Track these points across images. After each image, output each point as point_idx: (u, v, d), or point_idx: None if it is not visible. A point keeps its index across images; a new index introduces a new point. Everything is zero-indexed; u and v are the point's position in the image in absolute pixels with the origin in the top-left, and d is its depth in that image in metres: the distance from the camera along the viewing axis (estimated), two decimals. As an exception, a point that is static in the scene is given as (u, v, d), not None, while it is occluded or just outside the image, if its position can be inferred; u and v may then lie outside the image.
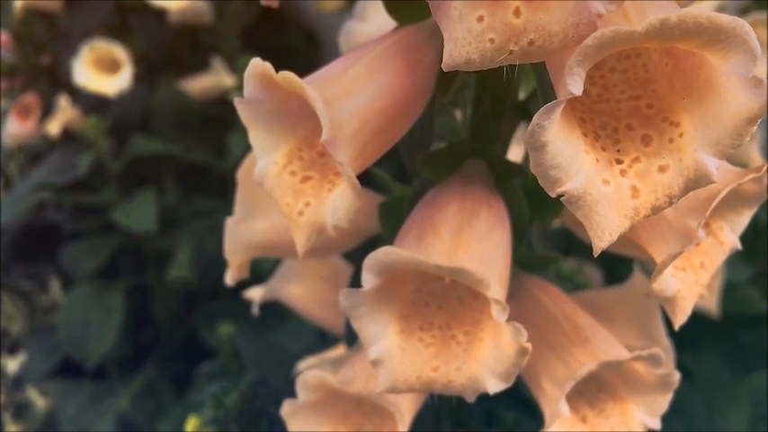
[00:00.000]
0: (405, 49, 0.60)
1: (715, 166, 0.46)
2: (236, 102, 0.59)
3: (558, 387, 0.63)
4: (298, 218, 0.59)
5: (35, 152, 2.06)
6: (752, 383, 1.30)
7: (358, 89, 0.57)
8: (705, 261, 0.62)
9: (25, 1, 1.84)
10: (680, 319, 0.60)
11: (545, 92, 0.55)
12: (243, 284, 0.86)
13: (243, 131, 0.65)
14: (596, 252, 0.47)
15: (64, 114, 1.80)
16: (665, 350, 0.72)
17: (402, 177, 0.76)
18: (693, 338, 1.34)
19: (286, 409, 0.70)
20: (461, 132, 0.71)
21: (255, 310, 0.97)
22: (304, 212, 0.59)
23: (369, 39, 0.64)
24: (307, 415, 0.70)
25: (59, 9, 1.88)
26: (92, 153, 1.75)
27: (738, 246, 0.63)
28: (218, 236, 0.82)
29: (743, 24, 0.42)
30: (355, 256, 0.78)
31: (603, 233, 0.46)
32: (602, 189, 0.47)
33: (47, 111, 1.88)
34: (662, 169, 0.48)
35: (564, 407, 0.62)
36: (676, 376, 0.65)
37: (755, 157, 1.12)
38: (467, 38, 0.43)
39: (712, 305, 1.06)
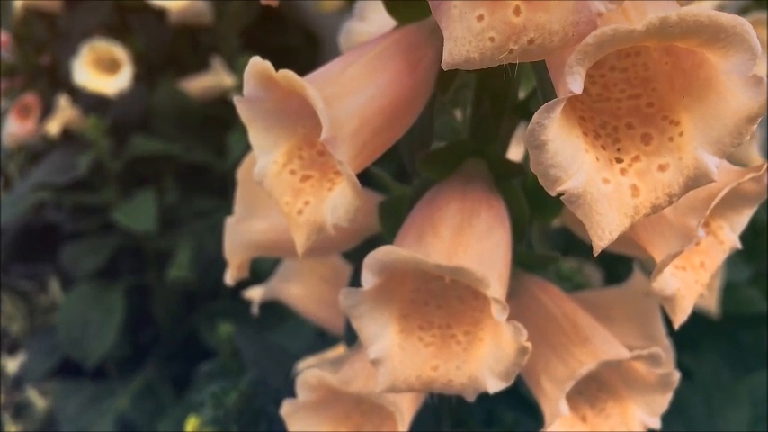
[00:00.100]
0: (404, 49, 0.60)
1: (715, 164, 0.46)
2: (236, 100, 0.59)
3: (558, 386, 0.63)
4: (297, 217, 0.59)
5: (35, 152, 2.06)
6: (752, 383, 1.30)
7: (358, 88, 0.57)
8: (705, 260, 0.62)
9: (25, 1, 1.84)
10: (680, 319, 0.60)
11: (545, 91, 0.55)
12: (243, 284, 0.86)
13: (243, 131, 0.64)
14: (596, 251, 0.47)
15: (64, 114, 1.80)
16: (664, 349, 0.72)
17: (402, 177, 0.76)
18: (693, 338, 1.34)
19: (286, 408, 0.69)
20: (461, 132, 0.71)
21: (255, 310, 0.97)
22: (304, 211, 0.59)
23: (369, 38, 0.64)
24: (306, 414, 0.69)
25: (59, 9, 1.88)
26: (92, 153, 1.75)
27: (738, 245, 0.63)
28: (217, 236, 0.82)
29: (743, 23, 0.42)
30: (355, 256, 0.78)
31: (603, 232, 0.46)
32: (603, 188, 0.47)
33: (47, 111, 1.88)
34: (662, 168, 0.48)
35: (564, 406, 0.62)
36: (676, 376, 0.65)
37: (755, 156, 1.12)
38: (467, 36, 0.43)
39: (712, 305, 1.06)
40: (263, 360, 0.99)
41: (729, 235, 0.62)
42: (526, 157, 0.75)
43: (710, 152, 0.46)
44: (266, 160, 0.60)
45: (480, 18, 0.43)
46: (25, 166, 2.12)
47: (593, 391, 0.67)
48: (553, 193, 0.46)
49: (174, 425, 1.49)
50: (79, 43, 1.75)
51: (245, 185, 0.76)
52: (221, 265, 0.79)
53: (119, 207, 1.76)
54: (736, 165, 0.61)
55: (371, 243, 0.71)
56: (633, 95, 0.51)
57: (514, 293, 0.69)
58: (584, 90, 0.44)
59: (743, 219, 0.62)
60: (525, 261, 0.72)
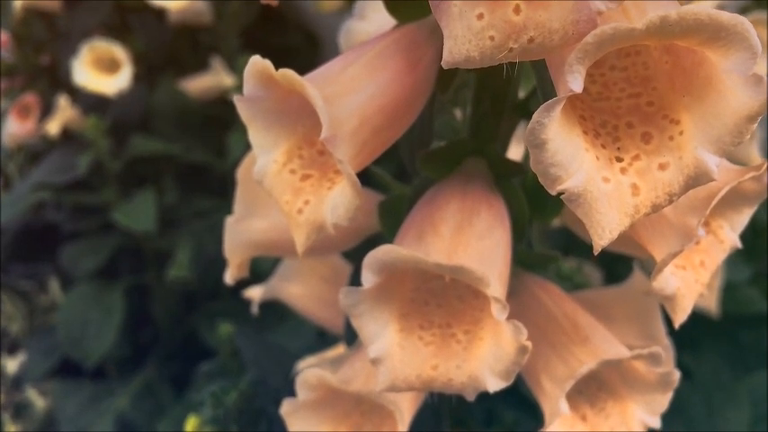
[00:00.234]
0: (404, 48, 0.60)
1: (715, 163, 0.46)
2: (236, 99, 0.59)
3: (558, 386, 0.63)
4: (297, 216, 0.59)
5: (35, 152, 2.06)
6: (752, 383, 1.30)
7: (358, 87, 0.57)
8: (705, 259, 0.62)
9: (25, 1, 1.84)
10: (680, 318, 0.60)
11: (545, 90, 0.55)
12: (242, 284, 0.86)
13: (243, 131, 0.64)
14: (596, 250, 0.47)
15: (63, 114, 1.80)
16: (665, 349, 0.72)
17: (402, 176, 0.76)
18: (693, 338, 1.34)
19: (285, 408, 0.69)
20: (461, 131, 0.71)
21: (255, 310, 0.97)
22: (303, 211, 0.59)
23: (368, 37, 0.64)
24: (306, 414, 0.69)
25: (59, 9, 1.88)
26: (91, 153, 1.75)
27: (738, 244, 0.63)
28: (217, 236, 0.82)
29: (743, 22, 0.42)
30: (355, 255, 0.78)
31: (604, 231, 0.46)
32: (603, 187, 0.47)
33: (46, 110, 1.88)
34: (662, 167, 0.48)
35: (564, 405, 0.62)
36: (676, 375, 0.65)
37: (755, 156, 1.12)
38: (467, 35, 0.43)
39: (712, 304, 1.06)
40: (263, 360, 0.99)
41: (729, 234, 0.62)
42: (526, 156, 0.75)
43: (711, 151, 0.46)
44: (266, 159, 0.60)
45: (480, 17, 0.43)
46: (25, 165, 2.12)
47: (593, 390, 0.67)
48: (553, 192, 0.46)
49: (174, 425, 1.49)
50: (79, 43, 1.75)
51: (245, 185, 0.76)
52: (221, 264, 0.79)
53: (118, 207, 1.76)
54: (737, 164, 0.61)
55: (371, 242, 0.71)
56: (633, 94, 0.50)
57: (514, 293, 0.69)
58: (585, 89, 0.43)
59: (743, 218, 0.62)
60: (525, 260, 0.72)
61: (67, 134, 1.85)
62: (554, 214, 0.70)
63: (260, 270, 0.96)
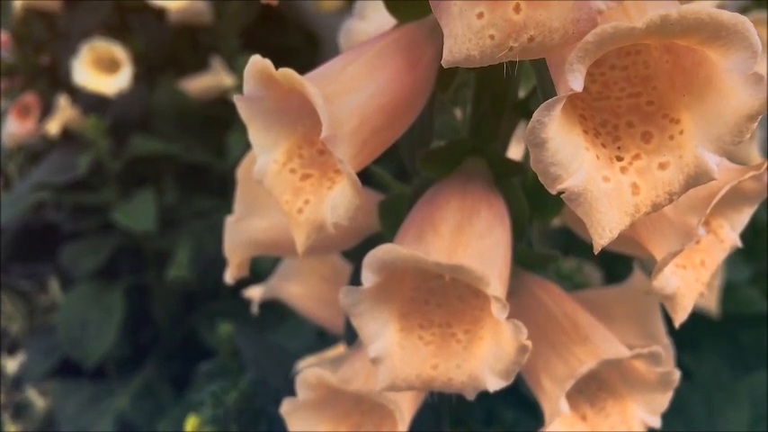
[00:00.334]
0: (404, 47, 0.60)
1: (715, 162, 0.46)
2: (236, 99, 0.59)
3: (558, 385, 0.63)
4: (297, 216, 0.59)
5: (34, 152, 2.05)
6: (752, 383, 1.30)
7: (358, 86, 0.57)
8: (705, 259, 0.62)
9: (25, 1, 1.84)
10: (680, 317, 0.60)
11: (545, 89, 0.55)
12: (242, 284, 0.86)
13: (242, 131, 0.64)
14: (597, 249, 0.47)
15: (63, 114, 1.80)
16: (665, 348, 0.72)
17: (402, 176, 0.76)
18: (693, 338, 1.34)
19: (285, 407, 0.69)
20: (461, 130, 0.71)
21: (255, 309, 0.97)
22: (304, 210, 0.59)
23: (368, 37, 0.64)
24: (306, 413, 0.69)
25: (59, 9, 1.88)
26: (91, 153, 1.74)
27: (739, 243, 0.63)
28: (217, 236, 0.82)
29: (744, 21, 0.42)
30: (355, 255, 0.78)
31: (604, 230, 0.46)
32: (603, 186, 0.47)
33: (46, 110, 1.88)
34: (662, 166, 0.47)
35: (564, 405, 0.62)
36: (676, 374, 0.65)
37: (755, 155, 1.12)
38: (467, 34, 0.43)
39: (712, 304, 1.06)
40: (263, 360, 0.99)
41: (730, 233, 0.62)
42: (526, 155, 0.75)
43: (711, 150, 0.46)
44: (266, 159, 0.60)
45: (480, 15, 0.43)
46: (25, 165, 2.12)
47: (593, 389, 0.67)
48: (553, 192, 0.46)
49: (174, 425, 1.49)
50: (79, 43, 1.75)
51: (245, 184, 0.76)
52: (221, 264, 0.79)
53: (118, 207, 1.76)
54: (737, 164, 0.61)
55: (371, 242, 0.71)
56: (633, 94, 0.50)
57: (514, 292, 0.69)
58: (585, 88, 0.43)
59: (743, 217, 0.62)
60: (525, 260, 0.72)
61: (67, 134, 1.84)
62: (554, 214, 0.70)
63: (260, 270, 0.96)
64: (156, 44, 1.91)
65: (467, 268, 0.53)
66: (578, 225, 0.68)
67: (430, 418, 0.75)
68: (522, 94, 0.68)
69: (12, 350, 2.11)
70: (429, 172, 0.67)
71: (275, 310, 1.09)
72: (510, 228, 0.63)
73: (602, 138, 0.49)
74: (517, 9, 0.42)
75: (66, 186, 1.79)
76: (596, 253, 0.48)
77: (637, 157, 0.48)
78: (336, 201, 0.56)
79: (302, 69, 0.57)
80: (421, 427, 0.71)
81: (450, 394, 0.60)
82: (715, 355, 1.35)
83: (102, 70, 1.77)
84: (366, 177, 0.61)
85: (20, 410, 1.97)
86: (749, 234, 0.68)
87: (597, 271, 1.17)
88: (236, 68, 1.81)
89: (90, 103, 1.83)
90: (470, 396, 0.58)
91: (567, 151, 0.45)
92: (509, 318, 0.55)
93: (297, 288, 0.94)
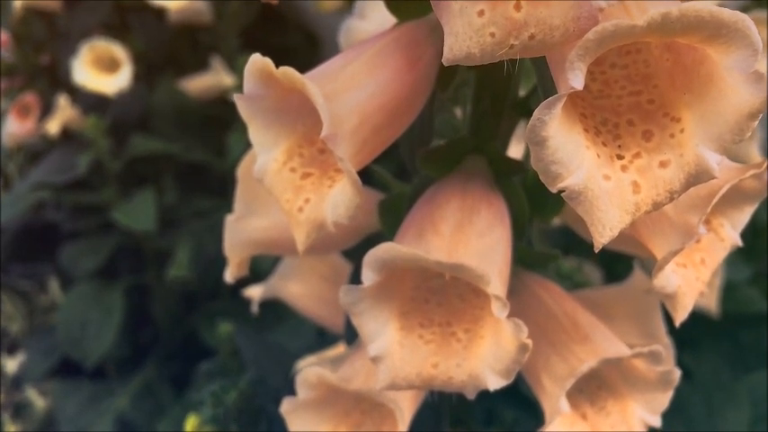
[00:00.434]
0: (405, 46, 0.60)
1: (716, 161, 0.46)
2: (236, 97, 0.59)
3: (559, 384, 0.63)
4: (298, 214, 0.59)
5: (34, 151, 2.05)
6: (752, 383, 1.30)
7: (358, 85, 0.57)
8: (706, 258, 0.62)
9: (25, 0, 1.84)
10: (681, 316, 0.60)
11: (546, 87, 0.55)
12: (242, 283, 0.86)
13: (242, 131, 0.64)
14: (597, 247, 0.47)
15: (63, 114, 1.79)
16: (665, 347, 0.72)
17: (402, 175, 0.76)
18: (693, 338, 1.34)
19: (285, 406, 0.69)
20: (461, 129, 0.71)
21: (255, 309, 0.97)
22: (304, 209, 0.59)
23: (368, 36, 0.64)
24: (306, 413, 0.69)
25: (59, 8, 1.88)
26: (91, 152, 1.74)
27: (739, 242, 0.63)
28: (217, 235, 0.82)
29: (744, 19, 0.42)
30: (355, 254, 0.78)
31: (604, 228, 0.46)
32: (603, 184, 0.47)
33: (46, 110, 1.88)
34: (663, 164, 0.48)
35: (564, 404, 0.62)
36: (677, 373, 0.65)
37: (755, 155, 1.12)
38: (467, 32, 0.43)
39: (712, 303, 1.06)
40: (263, 359, 0.99)
41: (730, 232, 0.62)
42: (526, 154, 0.75)
43: (712, 148, 0.46)
44: (266, 158, 0.60)
45: (481, 13, 0.43)
46: (25, 165, 2.12)
47: (593, 389, 0.67)
48: (554, 190, 0.46)
49: (174, 425, 1.49)
50: (79, 43, 1.75)
51: (246, 183, 0.76)
52: (221, 264, 0.79)
53: (118, 207, 1.76)
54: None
55: (371, 241, 0.71)
56: (634, 92, 0.50)
57: (514, 291, 0.69)
58: (585, 87, 0.43)
59: (744, 216, 0.62)
60: (525, 259, 0.72)
61: (67, 134, 1.84)
62: (554, 213, 0.70)
63: (260, 269, 0.96)
64: (156, 44, 1.91)
65: (467, 267, 0.53)
66: (579, 224, 0.68)
67: (430, 418, 0.75)
68: (522, 93, 0.68)
69: (12, 350, 2.10)
70: (429, 171, 0.67)
71: (275, 309, 1.09)
72: (510, 227, 0.63)
73: (603, 136, 0.49)
74: (518, 7, 0.42)
75: (65, 186, 1.78)
76: (597, 252, 0.48)
77: (637, 155, 0.48)
78: (337, 199, 0.56)
79: (302, 69, 0.57)
80: (421, 426, 0.71)
81: (450, 393, 0.60)
82: (715, 355, 1.35)
83: (101, 70, 1.77)
84: (366, 176, 0.61)
85: (20, 410, 1.97)
86: (749, 234, 0.68)
87: (597, 270, 1.17)
88: (236, 68, 1.81)
89: (90, 102, 1.83)
90: (471, 395, 0.58)
91: (567, 149, 0.45)
92: (509, 316, 0.55)
93: (297, 287, 0.94)
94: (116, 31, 1.86)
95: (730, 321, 1.23)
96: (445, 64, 0.45)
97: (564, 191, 0.46)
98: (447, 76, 0.63)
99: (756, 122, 0.45)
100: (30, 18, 1.91)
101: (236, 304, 1.39)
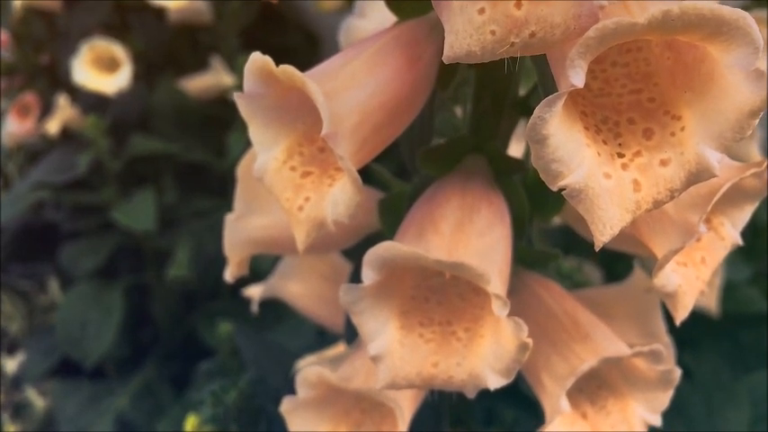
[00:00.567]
0: (405, 44, 0.60)
1: (717, 159, 0.46)
2: (236, 96, 0.59)
3: (559, 383, 0.63)
4: (298, 213, 0.59)
5: (34, 151, 2.05)
6: (752, 383, 1.30)
7: (358, 84, 0.57)
8: (706, 256, 0.62)
9: (25, 0, 1.84)
10: (681, 315, 0.60)
11: (546, 85, 0.55)
12: (242, 283, 0.86)
13: (242, 131, 0.64)
14: (598, 246, 0.47)
15: (63, 113, 1.79)
16: (665, 347, 0.72)
17: (402, 174, 0.76)
18: (693, 338, 1.34)
19: (285, 406, 0.69)
20: (461, 128, 0.71)
21: (255, 308, 0.97)
22: (304, 207, 0.58)
23: (368, 35, 0.64)
24: (306, 412, 0.69)
25: (59, 8, 1.88)
26: (91, 152, 1.74)
27: (739, 241, 0.63)
28: (217, 235, 0.82)
29: (745, 16, 0.42)
30: (355, 254, 0.77)
31: (605, 227, 0.46)
32: (604, 183, 0.46)
33: (46, 110, 1.88)
34: (663, 163, 0.47)
35: (564, 403, 0.62)
36: (677, 373, 0.65)
37: (755, 154, 1.12)
38: (468, 30, 0.43)
39: (712, 302, 1.06)
40: (263, 359, 0.99)
41: (730, 231, 0.62)
42: (527, 153, 0.75)
43: (712, 147, 0.46)
44: (266, 156, 0.60)
45: (482, 11, 0.43)
46: (24, 165, 2.12)
47: (593, 388, 0.67)
48: (554, 188, 0.46)
49: (174, 424, 1.49)
50: (78, 42, 1.75)
51: (245, 182, 0.76)
52: (221, 264, 0.79)
53: (118, 206, 1.75)
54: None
55: (371, 241, 0.71)
56: (634, 90, 0.50)
57: (515, 290, 0.69)
58: (586, 85, 0.43)
59: (744, 215, 0.62)
60: (526, 258, 0.72)
61: (67, 133, 1.84)
62: (555, 212, 0.70)
63: (260, 269, 0.96)
64: (156, 43, 1.91)
65: (467, 265, 0.53)
66: (579, 223, 0.68)
67: (430, 417, 0.75)
68: (522, 91, 0.68)
69: (11, 350, 2.10)
70: (429, 170, 0.67)
71: (275, 309, 1.09)
72: (510, 225, 0.63)
73: (604, 134, 0.49)
74: (518, 5, 0.42)
75: (65, 186, 1.78)
76: (597, 250, 0.48)
77: (638, 153, 0.48)
78: (337, 198, 0.56)
79: (302, 69, 0.57)
80: (421, 426, 0.71)
81: (450, 393, 0.60)
82: (715, 355, 1.35)
83: (101, 70, 1.77)
84: (366, 175, 0.61)
85: (19, 410, 1.97)
86: (749, 233, 0.68)
87: (597, 270, 1.17)
88: (236, 68, 1.80)
89: (90, 102, 1.83)
90: (471, 394, 0.58)
91: (568, 148, 0.45)
92: (510, 315, 0.55)
93: (297, 287, 0.94)
94: (116, 30, 1.86)
95: (730, 321, 1.23)
96: (445, 62, 0.44)
97: (564, 189, 0.46)
98: (447, 74, 0.63)
99: (757, 120, 0.45)
100: (30, 18, 1.91)
101: (236, 304, 1.39)
